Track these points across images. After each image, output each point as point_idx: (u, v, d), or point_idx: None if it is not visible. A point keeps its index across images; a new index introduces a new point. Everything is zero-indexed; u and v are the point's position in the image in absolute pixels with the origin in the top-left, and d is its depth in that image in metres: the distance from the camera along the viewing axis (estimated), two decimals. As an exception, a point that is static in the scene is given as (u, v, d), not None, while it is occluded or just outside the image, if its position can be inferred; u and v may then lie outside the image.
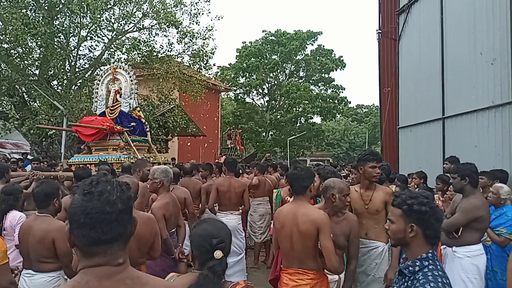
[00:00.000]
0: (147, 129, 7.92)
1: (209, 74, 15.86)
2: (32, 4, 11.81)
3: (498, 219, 4.02)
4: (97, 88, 7.67)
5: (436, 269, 1.87)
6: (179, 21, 13.45)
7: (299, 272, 2.91)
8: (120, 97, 7.40)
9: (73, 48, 12.87)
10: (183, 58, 14.66)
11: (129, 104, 7.29)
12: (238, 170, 6.12)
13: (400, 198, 2.01)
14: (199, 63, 14.29)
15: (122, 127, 7.21)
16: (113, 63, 13.37)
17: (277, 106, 33.05)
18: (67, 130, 9.35)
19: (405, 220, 1.96)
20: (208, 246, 1.81)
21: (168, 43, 14.24)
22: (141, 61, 13.65)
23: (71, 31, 12.39)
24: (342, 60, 32.76)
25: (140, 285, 1.20)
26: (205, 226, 1.93)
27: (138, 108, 7.51)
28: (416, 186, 6.04)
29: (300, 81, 32.99)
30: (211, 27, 14.31)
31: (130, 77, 7.43)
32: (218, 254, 1.79)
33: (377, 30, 12.69)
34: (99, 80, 7.69)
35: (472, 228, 3.59)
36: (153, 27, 13.64)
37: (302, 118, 32.19)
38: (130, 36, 13.60)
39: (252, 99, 33.54)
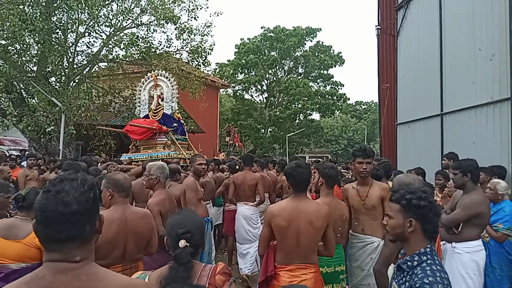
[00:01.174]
0: (186, 129, 8.76)
1: (207, 71, 15.81)
2: (29, 0, 11.73)
3: (496, 215, 4.02)
4: (139, 94, 8.51)
5: (435, 264, 1.87)
6: (178, 16, 13.40)
7: (302, 267, 2.88)
8: (162, 101, 8.22)
9: (71, 44, 12.82)
10: (182, 54, 14.62)
11: (171, 107, 8.14)
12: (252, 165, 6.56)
13: (399, 193, 2.01)
14: (197, 59, 14.25)
15: (166, 127, 8.06)
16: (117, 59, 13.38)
17: (276, 102, 33.01)
18: (119, 131, 10.26)
19: (403, 215, 1.95)
20: (174, 235, 1.92)
21: (167, 39, 14.21)
22: (139, 57, 13.61)
23: (69, 27, 12.33)
24: (341, 56, 32.75)
25: (95, 281, 1.22)
26: (176, 216, 2.05)
27: (178, 110, 8.31)
28: (414, 182, 6.03)
29: (299, 77, 32.95)
30: (210, 23, 14.28)
31: (171, 83, 8.25)
32: (181, 243, 1.88)
33: (376, 26, 12.65)
34: (141, 87, 8.54)
35: (472, 224, 3.58)
36: (151, 23, 13.59)
37: (301, 114, 32.15)
38: (128, 32, 13.56)
39: (251, 95, 33.52)
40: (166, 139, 7.95)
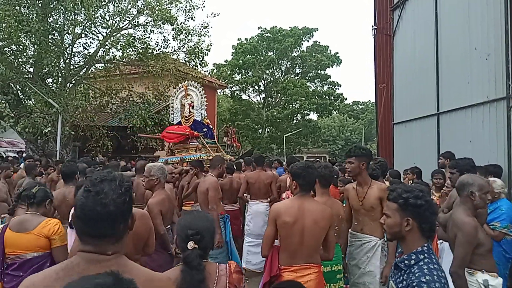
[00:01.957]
0: (214, 133, 9.53)
1: (204, 71, 15.81)
2: (25, 1, 11.71)
3: (493, 214, 4.03)
4: (173, 103, 9.41)
5: (432, 262, 1.88)
6: (174, 17, 13.40)
7: (306, 267, 2.86)
8: (193, 108, 9.01)
9: (67, 46, 12.80)
10: (179, 55, 14.63)
11: (201, 114, 8.90)
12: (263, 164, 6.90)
13: (396, 192, 2.01)
14: (194, 60, 14.25)
15: (197, 132, 8.82)
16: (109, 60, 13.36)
17: (273, 103, 33.05)
18: (156, 137, 11.53)
19: (400, 214, 1.96)
20: (183, 236, 1.92)
21: (164, 40, 14.22)
22: (136, 58, 13.59)
23: (65, 28, 12.31)
24: (338, 56, 32.83)
25: (124, 273, 1.27)
26: (187, 217, 2.05)
27: (207, 116, 9.06)
28: (411, 182, 6.05)
29: (296, 77, 33.00)
30: (207, 24, 14.28)
31: (200, 92, 8.98)
32: (190, 245, 1.88)
33: (372, 26, 12.67)
34: (173, 97, 9.43)
35: (469, 222, 3.59)
36: (148, 24, 13.58)
37: (298, 114, 32.21)
38: (125, 33, 13.54)
39: (248, 96, 33.56)
40: (198, 143, 8.74)
